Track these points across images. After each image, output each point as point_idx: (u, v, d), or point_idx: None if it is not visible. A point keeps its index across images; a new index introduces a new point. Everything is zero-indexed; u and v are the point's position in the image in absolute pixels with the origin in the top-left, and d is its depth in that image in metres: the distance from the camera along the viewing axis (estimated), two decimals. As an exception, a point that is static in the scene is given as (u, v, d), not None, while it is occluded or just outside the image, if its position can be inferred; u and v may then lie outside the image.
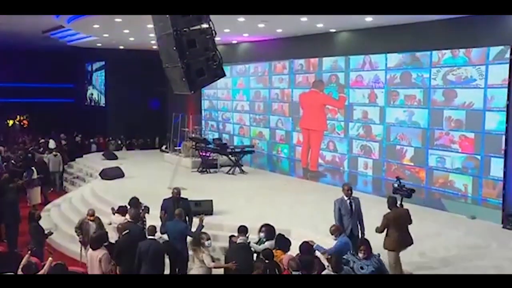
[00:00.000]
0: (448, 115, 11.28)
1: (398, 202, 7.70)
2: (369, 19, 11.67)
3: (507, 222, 9.80)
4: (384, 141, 12.88)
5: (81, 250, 9.06)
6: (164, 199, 8.85)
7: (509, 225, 9.74)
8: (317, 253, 6.93)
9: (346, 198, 7.64)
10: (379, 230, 7.36)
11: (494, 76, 10.38)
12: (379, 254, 6.25)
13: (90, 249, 7.33)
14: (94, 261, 7.07)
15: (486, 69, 10.54)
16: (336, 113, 14.20)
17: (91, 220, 8.82)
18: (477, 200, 10.78)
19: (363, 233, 7.56)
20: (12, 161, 14.57)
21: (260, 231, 7.54)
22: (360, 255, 6.12)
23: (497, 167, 10.40)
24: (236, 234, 7.53)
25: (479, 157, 10.74)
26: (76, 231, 9.05)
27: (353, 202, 7.63)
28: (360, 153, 13.54)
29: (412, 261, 7.82)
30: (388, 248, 7.24)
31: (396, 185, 8.16)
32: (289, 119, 15.92)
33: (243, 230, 7.51)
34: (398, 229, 7.26)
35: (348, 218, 7.55)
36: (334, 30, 13.95)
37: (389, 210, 7.41)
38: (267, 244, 7.28)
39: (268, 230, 7.46)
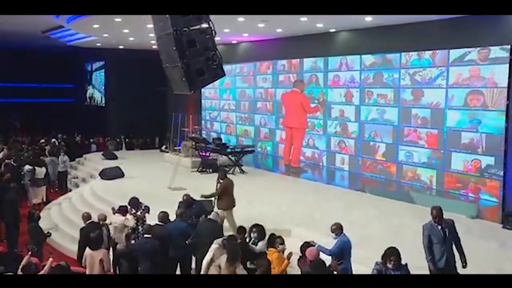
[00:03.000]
0: (415, 113, 12.26)
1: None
2: (368, 19, 11.66)
3: (507, 222, 9.79)
4: (359, 138, 13.71)
5: None
6: (180, 201, 9.03)
7: (509, 225, 9.73)
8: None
9: (435, 224, 6.55)
10: (216, 194, 9.22)
11: (455, 77, 11.31)
12: (406, 263, 6.19)
13: (90, 250, 7.28)
14: (95, 261, 7.05)
15: (448, 70, 11.40)
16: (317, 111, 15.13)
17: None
18: (441, 192, 11.66)
19: (464, 261, 6.62)
20: (12, 162, 14.49)
21: (251, 231, 7.53)
22: (389, 265, 5.98)
23: (457, 161, 11.51)
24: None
25: (442, 151, 11.74)
26: None
27: (446, 228, 6.55)
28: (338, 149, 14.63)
29: (409, 261, 7.81)
30: (225, 208, 9.07)
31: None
32: (273, 117, 16.67)
33: (241, 231, 7.55)
34: (231, 193, 9.22)
35: (441, 246, 6.53)
36: (334, 30, 13.95)
37: (222, 180, 9.28)
38: (261, 244, 7.29)
39: (259, 230, 7.45)
